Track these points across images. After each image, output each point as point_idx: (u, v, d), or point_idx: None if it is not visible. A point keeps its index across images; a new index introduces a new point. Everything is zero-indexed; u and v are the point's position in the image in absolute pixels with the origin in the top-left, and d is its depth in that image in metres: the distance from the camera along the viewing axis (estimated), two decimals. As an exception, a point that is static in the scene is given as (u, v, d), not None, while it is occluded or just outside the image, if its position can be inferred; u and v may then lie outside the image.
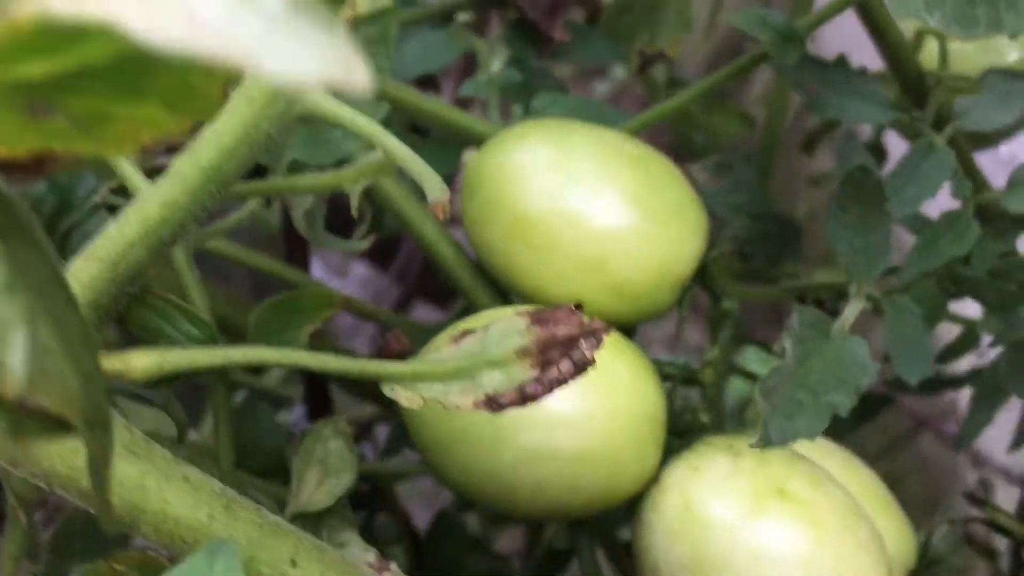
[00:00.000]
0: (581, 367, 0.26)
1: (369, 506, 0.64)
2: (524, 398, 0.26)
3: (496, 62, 0.45)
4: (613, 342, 0.37)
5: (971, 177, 0.43)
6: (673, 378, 0.40)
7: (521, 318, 0.28)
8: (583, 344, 0.26)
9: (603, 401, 0.35)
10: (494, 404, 0.26)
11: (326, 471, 0.31)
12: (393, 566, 0.31)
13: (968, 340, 0.49)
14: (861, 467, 0.43)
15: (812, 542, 0.34)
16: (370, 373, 0.28)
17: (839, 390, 0.34)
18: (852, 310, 0.37)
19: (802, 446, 0.40)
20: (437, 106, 0.43)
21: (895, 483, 0.46)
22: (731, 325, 0.41)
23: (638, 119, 0.43)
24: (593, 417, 0.35)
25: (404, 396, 0.27)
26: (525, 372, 0.26)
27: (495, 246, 0.39)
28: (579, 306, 0.28)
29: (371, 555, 0.31)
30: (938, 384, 0.56)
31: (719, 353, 0.40)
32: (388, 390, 0.28)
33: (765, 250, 0.47)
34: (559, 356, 0.26)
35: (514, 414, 0.35)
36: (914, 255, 0.42)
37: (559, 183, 0.38)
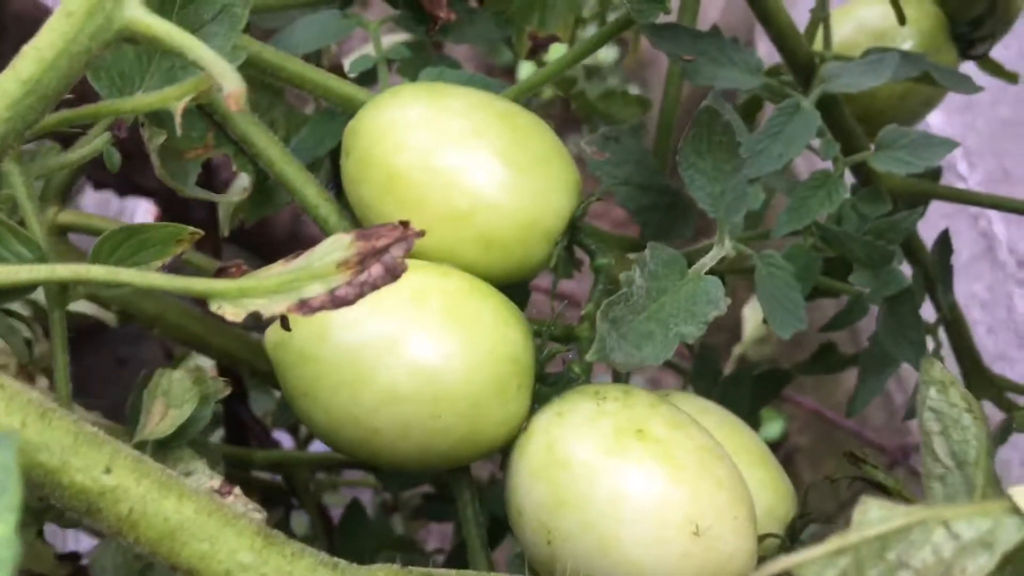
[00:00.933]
0: (392, 270, 0.26)
1: (285, 502, 0.64)
2: (335, 301, 0.26)
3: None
4: (477, 288, 0.38)
5: (842, 139, 0.45)
6: (540, 335, 0.40)
7: (347, 235, 0.28)
8: (394, 249, 0.27)
9: (463, 343, 0.36)
10: (305, 307, 0.26)
11: (169, 402, 0.31)
12: (237, 490, 0.31)
13: (856, 309, 0.50)
14: (738, 424, 0.43)
15: (668, 479, 0.35)
16: (197, 291, 0.28)
17: (689, 322, 0.35)
18: (713, 255, 0.38)
19: (681, 404, 0.41)
20: (322, 76, 0.44)
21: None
22: (606, 280, 0.41)
23: (516, 87, 0.44)
24: (452, 358, 0.36)
25: (229, 311, 0.28)
26: (342, 280, 0.27)
27: (370, 203, 0.40)
28: (405, 223, 0.28)
29: (216, 481, 0.31)
30: (834, 362, 0.57)
31: (593, 308, 0.41)
32: (215, 307, 0.28)
33: (654, 220, 0.48)
34: (373, 263, 0.27)
35: (374, 357, 0.35)
36: (785, 214, 0.43)
37: (427, 139, 0.39)
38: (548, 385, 0.39)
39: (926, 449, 0.33)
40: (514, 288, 0.44)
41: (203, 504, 0.27)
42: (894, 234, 0.44)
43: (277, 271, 0.29)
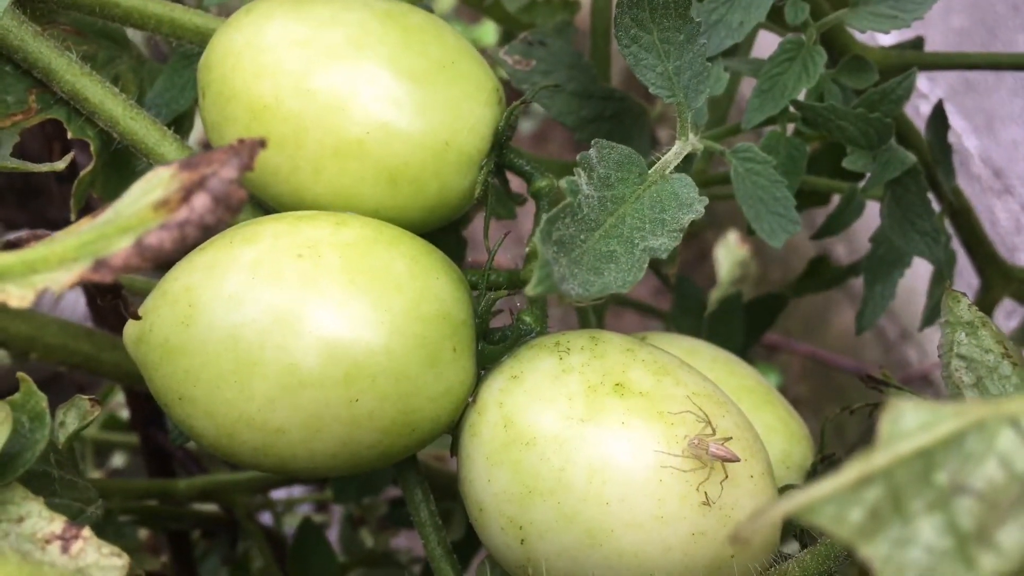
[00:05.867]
0: (223, 199, 0.18)
1: (229, 531, 0.56)
2: (144, 253, 0.18)
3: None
4: (385, 235, 0.30)
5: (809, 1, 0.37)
6: (478, 285, 0.32)
7: (167, 168, 0.20)
8: (223, 171, 0.18)
9: (374, 304, 0.28)
10: (103, 269, 0.18)
11: (-27, 433, 0.23)
12: (86, 532, 0.23)
13: (850, 208, 0.42)
14: (733, 361, 0.36)
15: (661, 441, 0.27)
16: (-37, 271, 0.20)
17: (658, 233, 0.27)
18: (677, 151, 0.30)
19: (662, 345, 0.33)
20: (165, 7, 0.35)
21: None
22: (549, 207, 0.33)
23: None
24: (362, 324, 0.27)
25: (15, 295, 0.20)
26: (156, 224, 0.19)
27: (240, 152, 0.31)
28: (242, 140, 0.20)
29: (57, 525, 0.23)
30: (829, 275, 0.49)
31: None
32: (-3, 292, 0.20)
33: (600, 134, 0.40)
34: (198, 195, 0.18)
35: (259, 336, 0.27)
36: (756, 98, 0.36)
37: (296, 57, 0.30)
38: (494, 343, 0.31)
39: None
40: (443, 236, 0.36)
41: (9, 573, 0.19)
42: (888, 105, 0.36)
43: (80, 229, 0.21)
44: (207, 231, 0.18)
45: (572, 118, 0.40)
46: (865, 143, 0.35)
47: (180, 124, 0.38)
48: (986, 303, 0.49)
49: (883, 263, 0.41)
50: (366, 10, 0.31)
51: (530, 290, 0.24)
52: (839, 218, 0.42)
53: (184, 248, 0.18)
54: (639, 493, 0.26)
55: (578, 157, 0.27)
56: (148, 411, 0.51)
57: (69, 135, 0.34)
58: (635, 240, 0.27)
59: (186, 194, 0.19)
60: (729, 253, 1.13)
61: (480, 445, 0.29)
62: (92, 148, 0.34)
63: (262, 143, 0.19)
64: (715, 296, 1.05)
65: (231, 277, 0.27)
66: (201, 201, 0.18)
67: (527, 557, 0.28)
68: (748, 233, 0.35)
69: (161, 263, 0.19)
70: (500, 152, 0.33)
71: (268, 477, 0.49)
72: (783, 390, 1.27)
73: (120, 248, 0.18)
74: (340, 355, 0.27)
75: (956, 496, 0.17)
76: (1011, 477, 0.17)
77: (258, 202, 0.34)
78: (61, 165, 0.32)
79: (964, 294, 0.30)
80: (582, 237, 0.26)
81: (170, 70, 0.37)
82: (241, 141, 0.19)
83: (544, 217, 0.25)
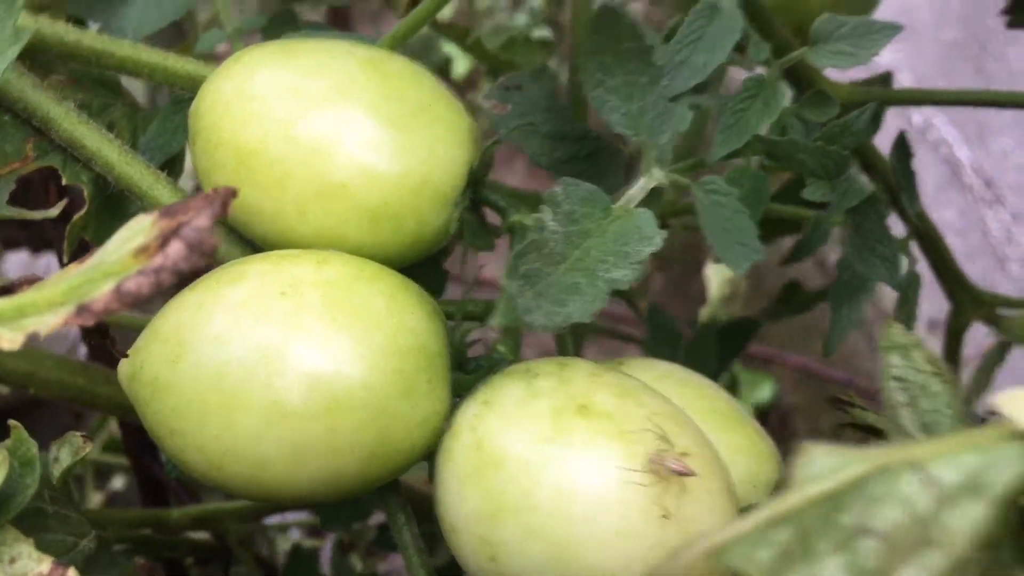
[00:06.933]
0: (196, 246, 0.20)
1: (222, 559, 0.57)
2: (122, 298, 0.20)
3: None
4: (365, 273, 0.31)
5: (771, 39, 0.39)
6: (454, 316, 0.34)
7: (148, 215, 0.22)
8: (197, 220, 0.20)
9: (353, 340, 0.29)
10: (85, 313, 0.20)
11: (-29, 469, 0.25)
12: (71, 572, 0.24)
13: (817, 234, 0.44)
14: (704, 385, 0.37)
15: (621, 459, 0.28)
16: (-39, 316, 0.21)
17: (620, 266, 0.28)
18: (642, 185, 0.32)
19: (636, 370, 0.35)
20: (158, 56, 0.37)
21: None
22: (522, 241, 0.35)
23: (388, 36, 0.38)
24: (342, 359, 0.29)
25: (5, 339, 0.21)
26: (136, 269, 0.20)
27: (227, 193, 0.33)
28: (216, 190, 0.22)
29: (45, 565, 0.24)
30: (800, 300, 0.51)
31: (513, 275, 0.34)
32: (-8, 335, 0.21)
33: (574, 174, 0.42)
34: (174, 242, 0.20)
35: (244, 373, 0.29)
36: (721, 133, 0.37)
37: (282, 104, 0.32)
38: (469, 373, 0.33)
39: (892, 425, 0.27)
40: (424, 270, 0.38)
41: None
42: (848, 138, 0.38)
43: (68, 275, 0.22)
44: (182, 276, 0.20)
45: (546, 159, 0.41)
46: (824, 174, 0.37)
47: (172, 166, 0.40)
48: (957, 327, 0.51)
49: (848, 288, 0.42)
50: (349, 58, 0.33)
51: (496, 321, 0.25)
52: (806, 244, 0.43)
53: (161, 292, 0.20)
54: (602, 510, 0.28)
55: (544, 195, 0.29)
56: (141, 442, 0.52)
57: (63, 181, 0.36)
58: (598, 272, 0.28)
59: (164, 241, 0.21)
60: (718, 273, 1.14)
61: (454, 468, 0.30)
62: (86, 193, 0.36)
63: (234, 192, 0.21)
64: (705, 313, 1.07)
65: (217, 316, 0.29)
66: (175, 248, 0.20)
67: (499, 574, 0.29)
68: (715, 261, 0.37)
69: (143, 304, 0.21)
70: (476, 189, 0.35)
71: (259, 505, 0.51)
72: (778, 400, 1.28)
73: (101, 293, 0.20)
74: (321, 390, 0.29)
75: (860, 537, 0.18)
76: (913, 519, 0.18)
77: (247, 241, 0.35)
78: (54, 212, 0.34)
79: (898, 321, 0.31)
80: (548, 271, 0.28)
81: (163, 115, 0.39)
82: (215, 190, 0.21)
83: (512, 253, 0.26)
